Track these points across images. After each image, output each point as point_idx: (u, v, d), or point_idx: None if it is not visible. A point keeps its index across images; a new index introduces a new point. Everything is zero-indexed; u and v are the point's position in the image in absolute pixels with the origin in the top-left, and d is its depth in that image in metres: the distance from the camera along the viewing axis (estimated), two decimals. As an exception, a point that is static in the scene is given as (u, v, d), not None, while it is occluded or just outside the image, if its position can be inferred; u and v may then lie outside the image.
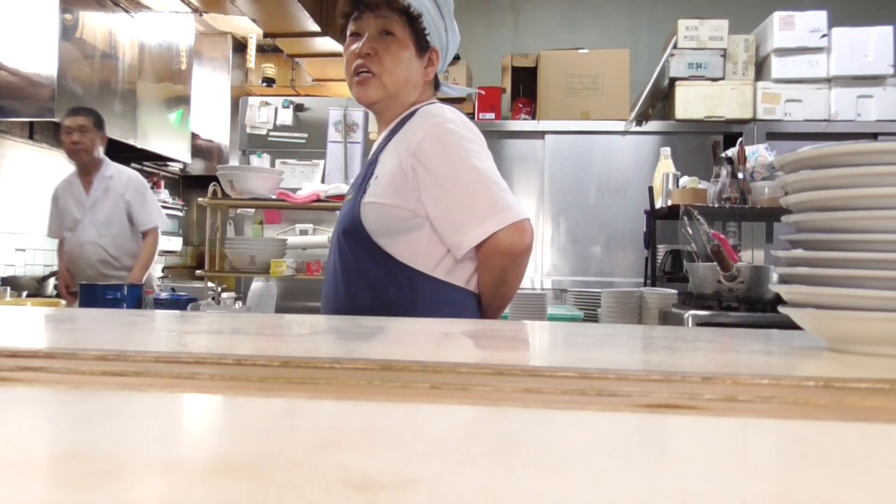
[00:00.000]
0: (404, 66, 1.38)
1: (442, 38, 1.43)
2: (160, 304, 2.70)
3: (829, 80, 3.70)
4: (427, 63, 1.42)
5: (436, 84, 1.48)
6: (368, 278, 1.33)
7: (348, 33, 1.41)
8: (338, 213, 1.49)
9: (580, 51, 4.02)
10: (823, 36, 3.67)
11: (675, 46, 3.74)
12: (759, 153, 2.67)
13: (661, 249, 3.03)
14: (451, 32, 1.45)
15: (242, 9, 4.07)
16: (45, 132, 3.97)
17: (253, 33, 4.91)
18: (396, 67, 1.37)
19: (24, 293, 3.56)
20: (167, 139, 4.61)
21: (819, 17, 3.67)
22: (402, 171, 1.30)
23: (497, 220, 1.25)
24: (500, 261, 1.28)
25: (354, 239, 1.33)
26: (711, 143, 2.93)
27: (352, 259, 1.34)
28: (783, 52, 3.69)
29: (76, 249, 3.42)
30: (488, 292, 1.35)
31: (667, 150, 3.03)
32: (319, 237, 3.58)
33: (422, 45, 1.40)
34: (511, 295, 1.38)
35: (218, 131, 5.25)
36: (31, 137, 3.88)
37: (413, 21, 1.37)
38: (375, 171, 1.34)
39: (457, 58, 1.51)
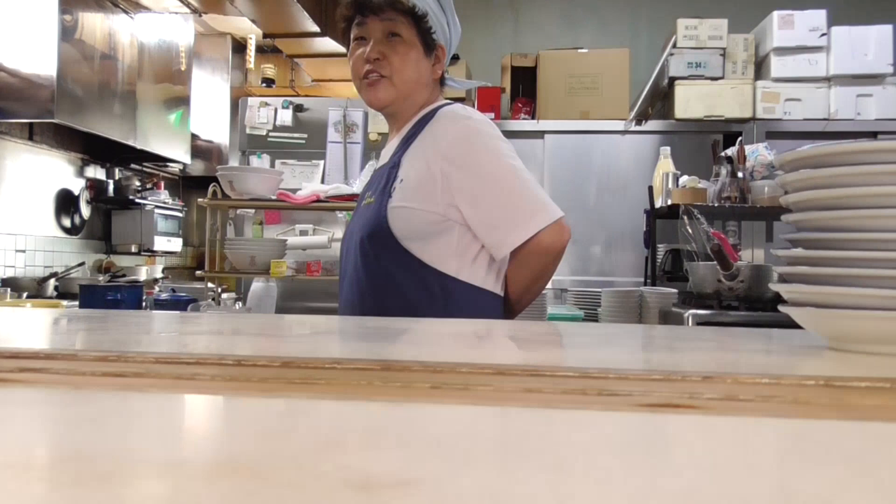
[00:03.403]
0: (413, 66, 1.37)
1: (446, 33, 1.42)
2: (160, 304, 2.70)
3: (829, 79, 3.70)
4: (435, 61, 1.41)
5: (441, 80, 1.47)
6: (397, 283, 1.31)
7: (352, 37, 1.39)
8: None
9: (580, 50, 4.02)
10: (823, 35, 3.66)
11: (674, 46, 3.74)
12: (758, 152, 2.66)
13: (661, 249, 3.03)
14: (454, 26, 1.44)
15: (242, 9, 4.07)
16: (45, 133, 3.96)
17: (252, 34, 4.90)
18: (406, 69, 1.36)
19: (25, 294, 3.55)
20: (167, 140, 4.61)
21: (818, 16, 3.67)
22: (430, 175, 1.28)
23: (539, 220, 1.26)
24: (540, 259, 1.28)
25: (381, 244, 1.30)
26: (711, 142, 2.93)
27: (378, 264, 1.31)
28: (782, 51, 3.68)
29: None
30: (521, 289, 1.34)
31: (666, 150, 3.03)
32: (319, 237, 3.57)
33: (428, 44, 1.39)
34: (541, 290, 1.39)
35: (218, 132, 5.24)
36: (30, 139, 3.88)
37: (418, 21, 1.36)
38: (399, 175, 1.32)
39: (456, 57, 1.51)
